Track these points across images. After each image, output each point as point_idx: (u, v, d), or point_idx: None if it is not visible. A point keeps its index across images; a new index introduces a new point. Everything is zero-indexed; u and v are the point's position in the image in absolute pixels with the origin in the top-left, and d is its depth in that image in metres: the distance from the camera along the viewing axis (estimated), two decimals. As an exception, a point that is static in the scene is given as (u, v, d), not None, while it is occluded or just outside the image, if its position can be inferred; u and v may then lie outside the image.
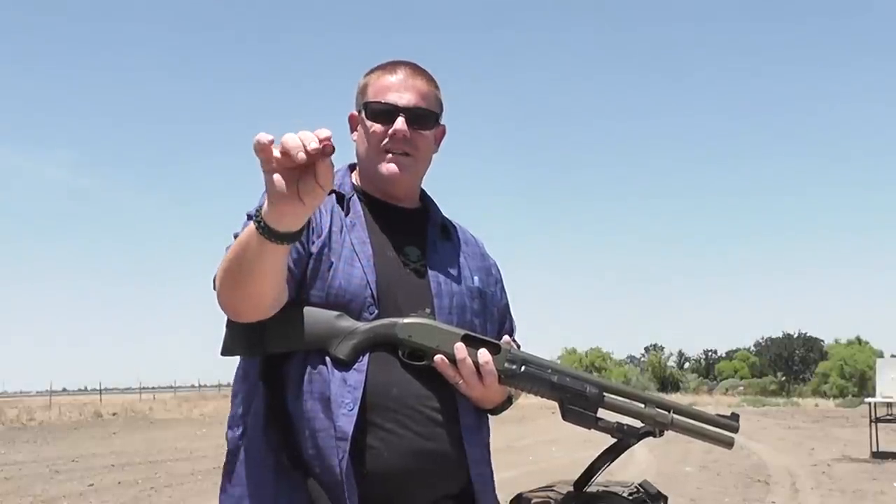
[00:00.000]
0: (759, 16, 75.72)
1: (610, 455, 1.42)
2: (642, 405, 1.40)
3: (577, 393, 1.38)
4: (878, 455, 11.21)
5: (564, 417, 1.39)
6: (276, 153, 1.10)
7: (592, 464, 1.44)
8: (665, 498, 1.55)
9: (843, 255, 72.36)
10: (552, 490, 1.51)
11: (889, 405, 12.10)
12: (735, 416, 1.43)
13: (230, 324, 1.37)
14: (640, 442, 1.42)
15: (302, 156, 1.08)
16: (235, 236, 1.40)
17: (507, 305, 1.67)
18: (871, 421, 11.52)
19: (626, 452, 1.45)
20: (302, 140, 1.09)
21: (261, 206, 1.19)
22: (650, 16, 78.69)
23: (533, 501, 1.50)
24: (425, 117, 1.50)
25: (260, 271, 1.25)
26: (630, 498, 1.48)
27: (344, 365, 1.35)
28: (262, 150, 1.10)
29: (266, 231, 1.17)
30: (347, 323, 1.37)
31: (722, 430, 1.43)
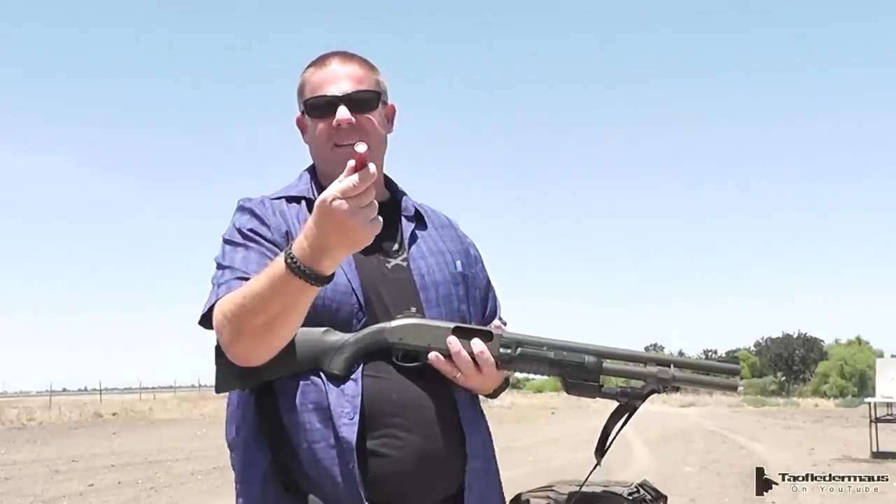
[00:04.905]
0: (744, 15, 75.71)
1: (618, 417, 1.41)
2: (643, 365, 1.38)
3: (576, 365, 1.37)
4: (878, 455, 11.19)
5: (568, 391, 1.38)
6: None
7: (604, 429, 1.42)
8: (665, 498, 1.56)
9: (843, 255, 72.38)
10: (551, 490, 1.52)
11: (889, 405, 12.10)
12: (735, 359, 1.42)
13: (221, 361, 1.35)
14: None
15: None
16: (219, 266, 1.39)
17: (489, 282, 1.64)
18: (871, 421, 11.50)
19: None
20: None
21: (292, 254, 1.19)
22: (646, 11, 78.67)
23: (532, 501, 1.50)
24: (366, 100, 1.47)
25: (296, 315, 1.26)
26: (630, 498, 1.49)
27: (339, 379, 1.34)
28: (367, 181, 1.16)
29: (313, 277, 1.19)
30: (336, 337, 1.36)
31: (724, 377, 1.41)
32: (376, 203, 1.18)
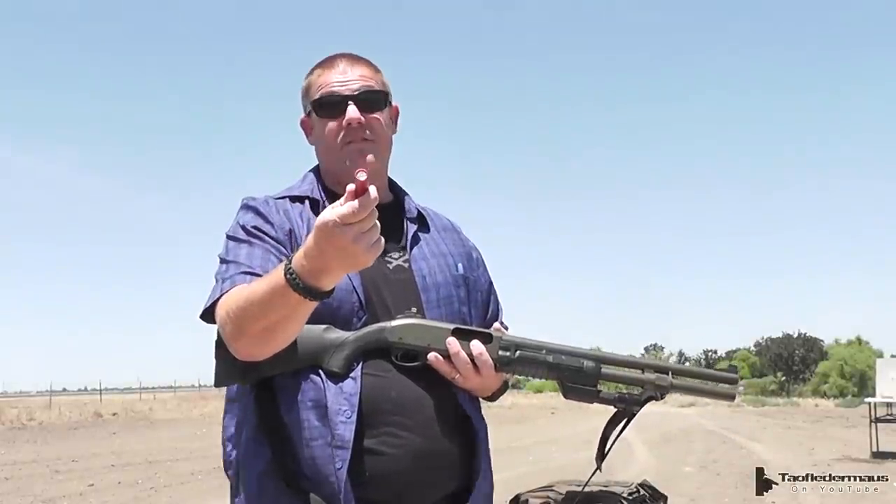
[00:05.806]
0: (737, 11, 75.71)
1: (616, 422, 1.41)
2: (640, 371, 1.39)
3: (574, 369, 1.37)
4: (878, 455, 11.18)
5: (566, 395, 1.38)
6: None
7: (603, 434, 1.42)
8: (665, 498, 1.56)
9: (842, 255, 72.39)
10: (551, 490, 1.52)
11: (889, 405, 12.09)
12: (733, 368, 1.42)
13: (221, 355, 1.35)
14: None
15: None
16: (223, 261, 1.39)
17: (490, 285, 1.65)
18: (871, 421, 11.49)
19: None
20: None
21: (291, 269, 1.19)
22: (647, 11, 78.66)
23: (531, 501, 1.50)
24: (375, 99, 1.48)
25: (296, 323, 1.26)
26: (630, 498, 1.49)
27: (338, 377, 1.34)
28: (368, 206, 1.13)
29: (312, 293, 1.19)
30: (336, 335, 1.36)
31: (722, 385, 1.41)
32: (378, 225, 1.17)
